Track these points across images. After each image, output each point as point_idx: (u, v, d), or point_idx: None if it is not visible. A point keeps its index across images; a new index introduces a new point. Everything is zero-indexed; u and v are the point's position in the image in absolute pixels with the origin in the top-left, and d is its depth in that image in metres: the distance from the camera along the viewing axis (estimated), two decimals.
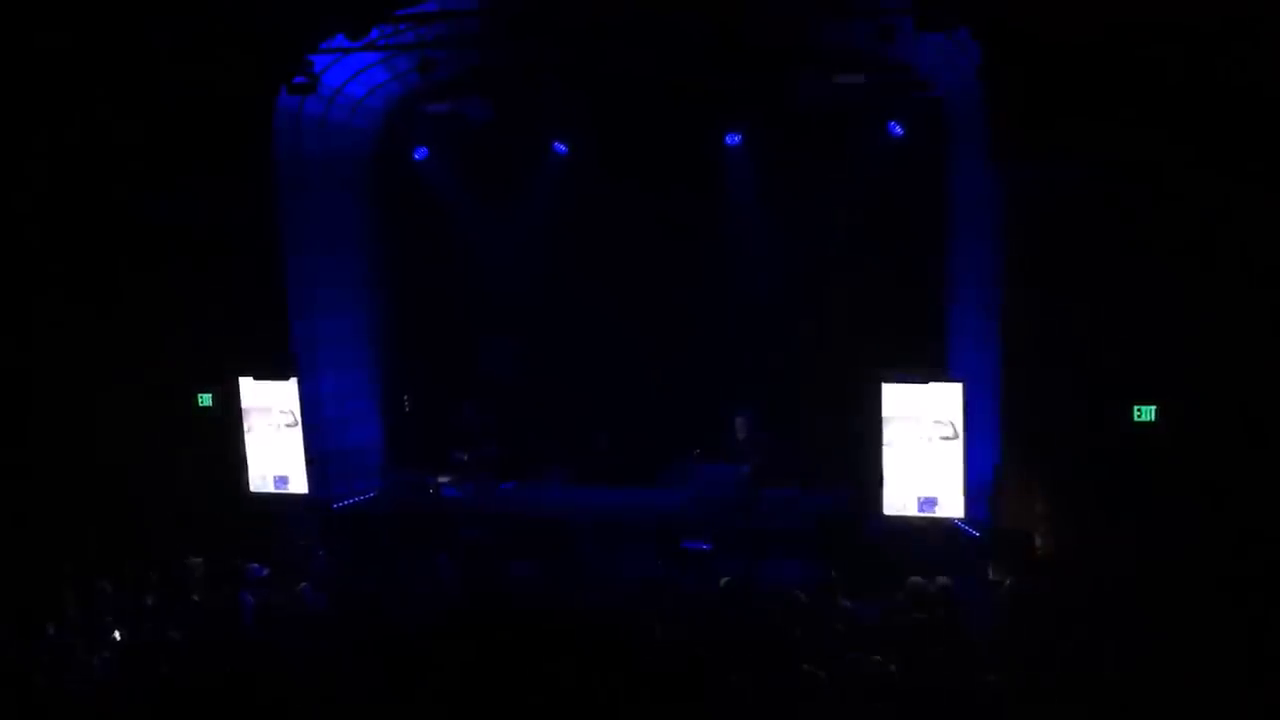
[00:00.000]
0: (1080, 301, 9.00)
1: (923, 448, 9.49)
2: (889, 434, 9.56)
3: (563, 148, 12.31)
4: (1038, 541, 9.19)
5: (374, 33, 10.12)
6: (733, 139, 11.78)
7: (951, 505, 9.46)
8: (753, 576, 8.42)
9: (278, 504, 10.91)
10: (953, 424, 9.40)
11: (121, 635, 7.56)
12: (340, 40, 10.14)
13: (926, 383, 9.52)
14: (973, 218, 10.31)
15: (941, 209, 11.05)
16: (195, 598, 8.41)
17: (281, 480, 10.89)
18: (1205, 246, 8.63)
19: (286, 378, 10.78)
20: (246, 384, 10.84)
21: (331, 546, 10.30)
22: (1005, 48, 8.84)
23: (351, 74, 11.27)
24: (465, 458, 12.08)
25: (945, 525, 9.55)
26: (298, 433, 10.77)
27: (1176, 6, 8.31)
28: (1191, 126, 8.53)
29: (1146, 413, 8.92)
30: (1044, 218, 9.03)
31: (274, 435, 10.84)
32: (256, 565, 9.06)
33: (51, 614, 7.62)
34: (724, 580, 8.13)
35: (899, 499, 9.60)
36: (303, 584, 8.54)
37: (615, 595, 8.45)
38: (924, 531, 9.49)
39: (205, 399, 11.04)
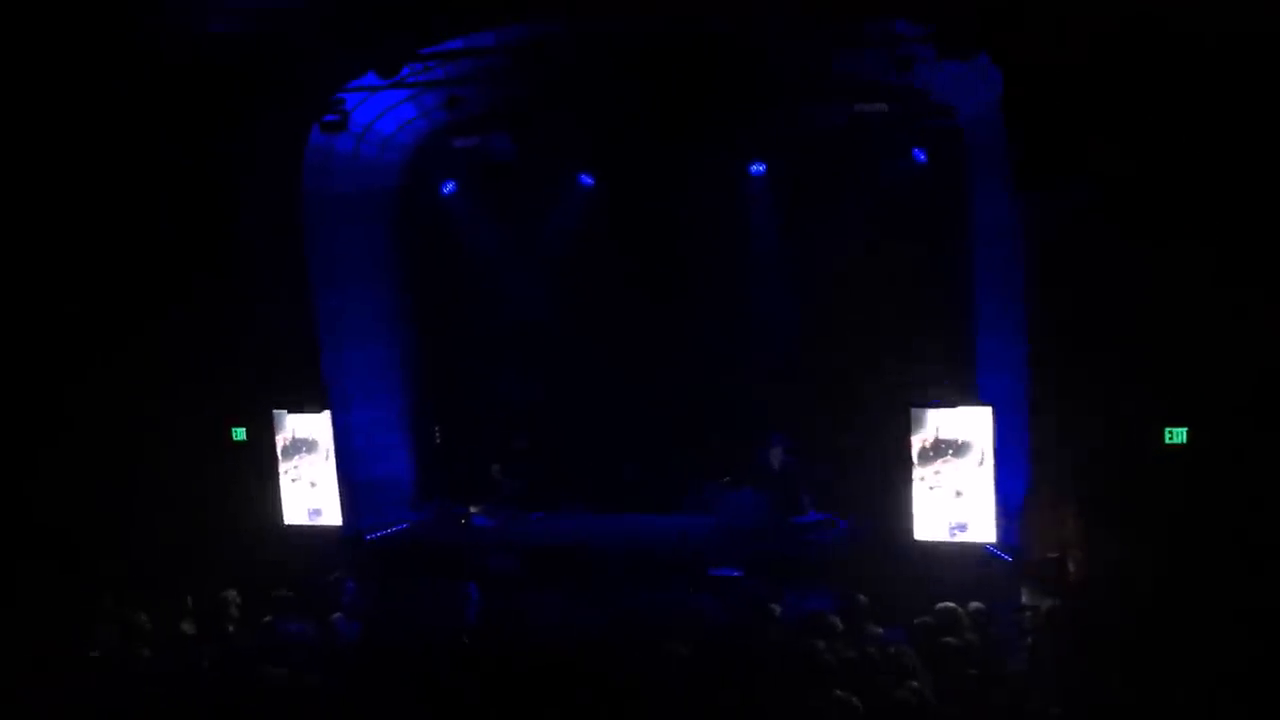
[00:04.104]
0: (1108, 323, 8.98)
1: (953, 472, 9.47)
2: (918, 459, 9.55)
3: (589, 179, 12.44)
4: (1070, 565, 9.13)
5: (404, 70, 10.31)
6: (758, 169, 11.87)
7: (982, 530, 9.43)
8: (782, 602, 8.40)
9: (311, 536, 11.00)
10: (983, 448, 9.38)
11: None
12: (370, 78, 10.34)
13: (955, 407, 9.52)
14: (998, 242, 10.33)
15: (967, 234, 11.07)
16: (230, 629, 8.48)
17: (315, 512, 10.99)
18: (1235, 266, 8.60)
19: (319, 410, 10.90)
20: (280, 417, 10.97)
21: (364, 577, 10.37)
22: (1024, 73, 8.90)
23: (381, 111, 11.48)
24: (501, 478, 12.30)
25: (976, 550, 9.51)
26: (330, 465, 10.88)
27: (1194, 25, 8.34)
28: (1218, 146, 8.53)
29: (1178, 435, 8.86)
30: (1068, 241, 9.04)
31: (307, 468, 10.95)
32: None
33: (87, 646, 7.71)
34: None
35: (930, 524, 9.58)
36: (336, 614, 8.61)
37: (642, 623, 8.45)
38: (955, 556, 9.45)
39: (240, 433, 11.16)
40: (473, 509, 12.03)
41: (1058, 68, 8.68)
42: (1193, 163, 8.56)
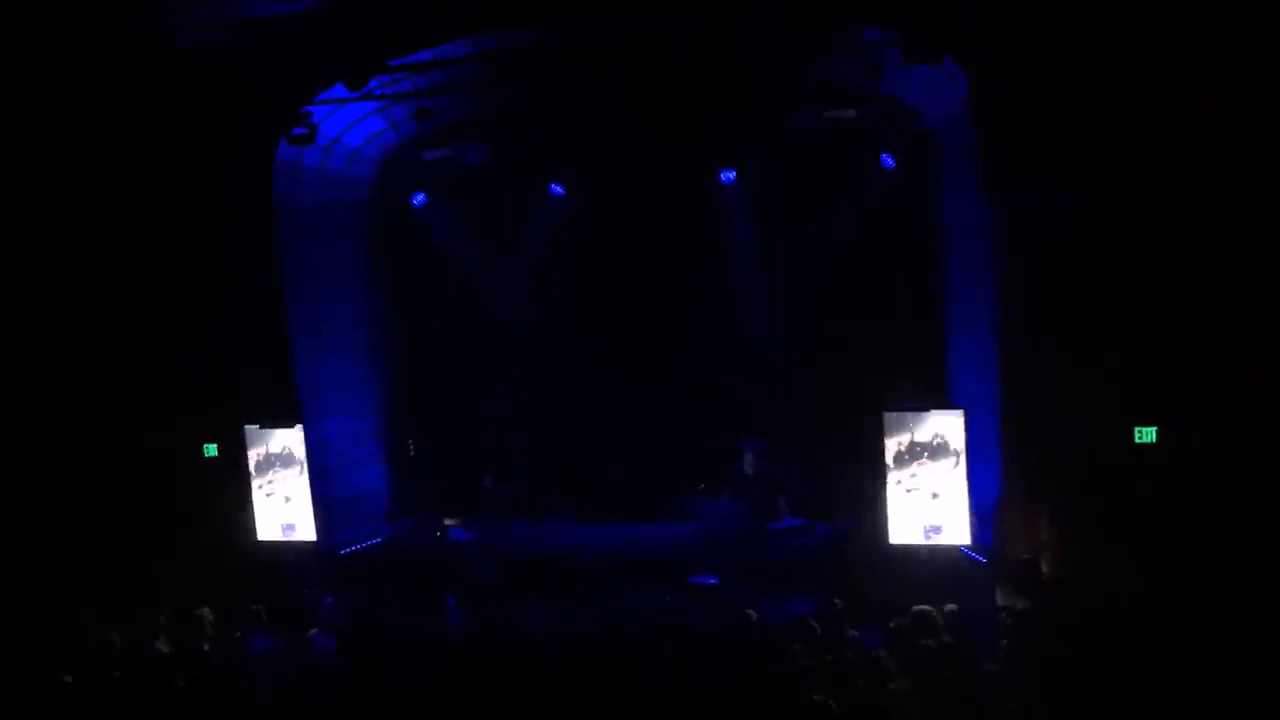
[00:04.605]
0: (1078, 324, 9.04)
1: (929, 475, 9.52)
2: (894, 462, 9.59)
3: (559, 189, 12.45)
4: (1045, 566, 9.19)
5: (372, 83, 10.28)
6: (727, 176, 11.91)
7: (957, 532, 9.47)
8: (759, 608, 8.42)
9: (285, 551, 10.92)
10: (956, 450, 9.43)
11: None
12: (338, 91, 10.31)
13: (927, 410, 9.57)
14: (968, 245, 10.41)
15: (937, 237, 11.15)
16: (205, 647, 8.40)
17: (289, 527, 10.92)
18: (1202, 267, 8.66)
19: (292, 425, 10.84)
20: (251, 432, 10.90)
21: (339, 592, 10.30)
22: (991, 77, 8.97)
23: (349, 124, 11.44)
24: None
25: (951, 552, 9.56)
26: (304, 479, 10.81)
27: (1164, 33, 8.41)
28: (1184, 149, 8.60)
29: (1148, 434, 8.93)
30: (1038, 243, 9.11)
31: (281, 483, 10.88)
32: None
33: (63, 665, 7.60)
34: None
35: (904, 527, 9.61)
36: (312, 630, 8.55)
37: (624, 632, 8.44)
38: (930, 559, 9.49)
39: (210, 449, 11.07)
40: (449, 521, 12.00)
41: (1023, 70, 8.74)
42: (1164, 165, 8.61)
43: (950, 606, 7.76)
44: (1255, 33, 8.15)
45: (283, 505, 10.91)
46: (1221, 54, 8.32)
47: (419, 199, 12.64)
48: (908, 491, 9.59)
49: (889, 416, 9.59)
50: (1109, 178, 8.76)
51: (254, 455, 10.94)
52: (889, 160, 11.34)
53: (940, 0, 8.95)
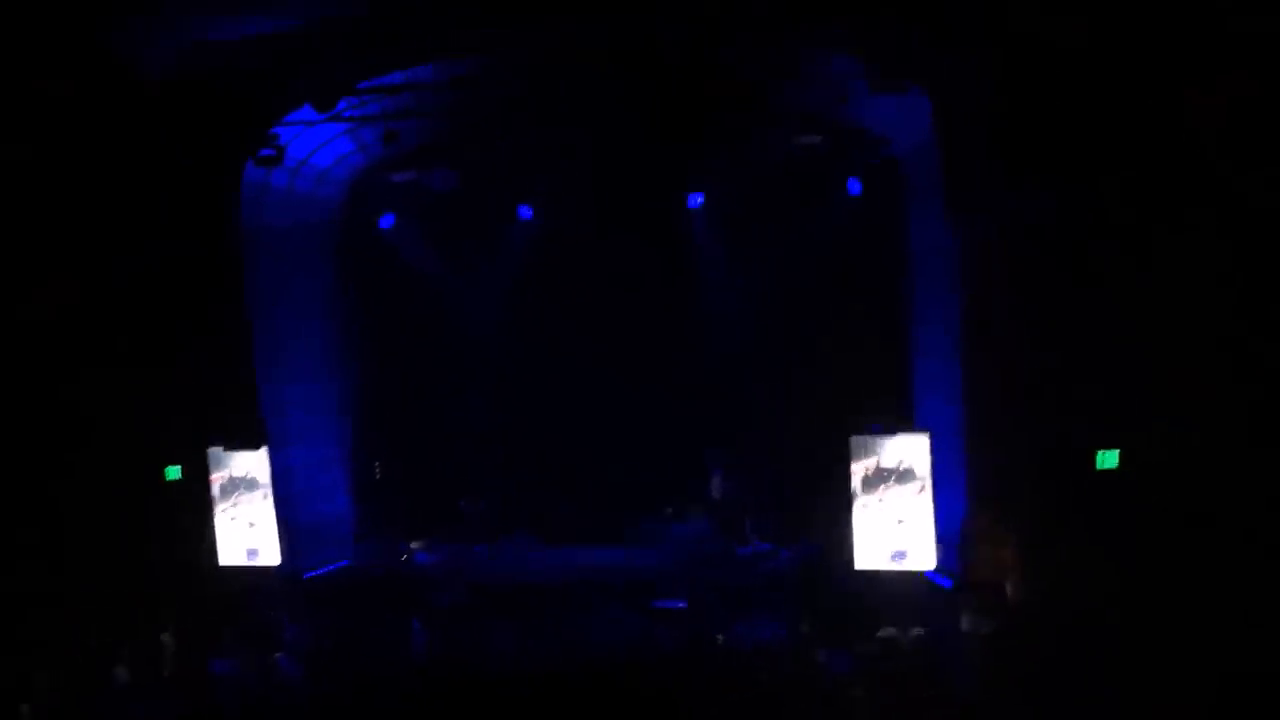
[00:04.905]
0: (1040, 347, 9.11)
1: (892, 499, 9.55)
2: (861, 486, 9.61)
3: (527, 211, 12.46)
4: (1008, 589, 9.25)
5: (340, 104, 10.25)
6: (694, 200, 11.97)
7: (922, 556, 9.51)
8: (727, 632, 8.44)
9: (249, 576, 10.78)
10: (921, 475, 9.48)
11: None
12: (306, 112, 10.27)
13: (893, 434, 9.60)
14: (933, 269, 10.53)
15: (903, 261, 11.26)
16: (166, 673, 8.30)
17: (253, 552, 10.78)
18: (1161, 290, 8.74)
19: (256, 447, 10.72)
20: (215, 456, 10.76)
21: (305, 616, 10.20)
22: (955, 106, 9.07)
23: (316, 146, 11.42)
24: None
25: (917, 576, 9.59)
26: (269, 504, 10.70)
27: (1119, 59, 8.53)
28: (1145, 175, 8.70)
29: (1110, 459, 9.00)
30: (1000, 267, 9.20)
31: (246, 507, 10.76)
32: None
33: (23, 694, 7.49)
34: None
35: (870, 552, 9.63)
36: (278, 654, 8.47)
37: (592, 657, 8.42)
38: (897, 583, 9.52)
39: (173, 471, 10.90)
40: (415, 544, 11.92)
41: (987, 99, 8.83)
42: (1124, 186, 8.69)
43: (916, 630, 7.82)
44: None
45: (246, 530, 10.78)
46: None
47: (387, 220, 12.60)
48: (873, 516, 9.62)
49: (855, 441, 9.62)
50: (1070, 203, 8.84)
51: (217, 479, 10.80)
52: (855, 185, 11.45)
53: (910, 21, 8.99)
